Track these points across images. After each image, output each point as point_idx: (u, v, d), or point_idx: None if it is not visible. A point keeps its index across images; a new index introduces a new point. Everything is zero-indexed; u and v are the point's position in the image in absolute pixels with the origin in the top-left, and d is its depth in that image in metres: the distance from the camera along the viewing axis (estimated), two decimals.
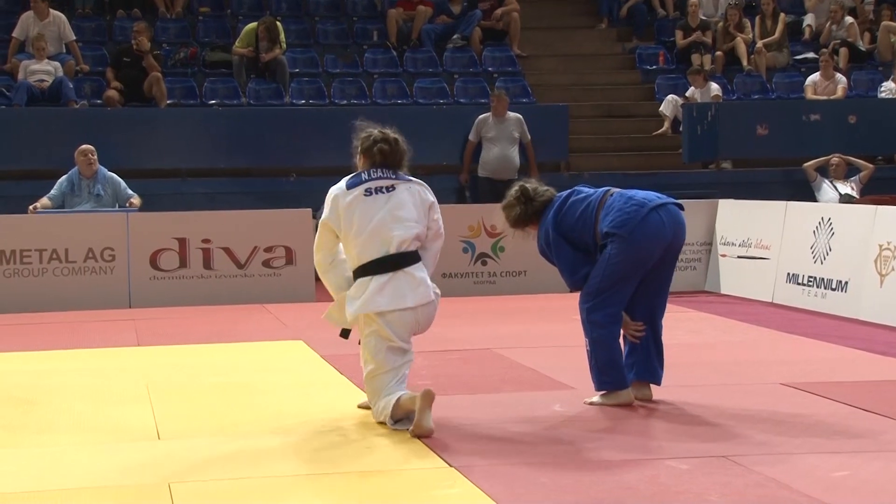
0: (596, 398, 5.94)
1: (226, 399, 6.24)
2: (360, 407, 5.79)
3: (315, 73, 15.26)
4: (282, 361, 7.52)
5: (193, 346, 8.21)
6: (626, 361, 5.96)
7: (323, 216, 5.55)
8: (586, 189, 6.09)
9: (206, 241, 10.81)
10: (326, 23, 16.34)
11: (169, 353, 7.88)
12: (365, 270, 5.42)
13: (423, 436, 5.12)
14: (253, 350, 8.02)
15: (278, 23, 14.85)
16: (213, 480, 4.57)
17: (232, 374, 7.06)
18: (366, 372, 5.46)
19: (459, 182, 13.27)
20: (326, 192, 5.62)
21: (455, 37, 15.81)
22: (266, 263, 10.91)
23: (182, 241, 10.79)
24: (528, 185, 6.09)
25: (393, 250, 5.39)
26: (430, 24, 15.87)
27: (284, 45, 14.79)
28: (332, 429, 5.45)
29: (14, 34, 14.19)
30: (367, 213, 5.43)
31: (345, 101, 14.73)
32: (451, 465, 4.69)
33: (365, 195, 5.46)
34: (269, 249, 10.90)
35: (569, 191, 6.11)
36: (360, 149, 5.68)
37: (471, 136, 12.94)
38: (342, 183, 5.58)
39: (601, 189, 6.06)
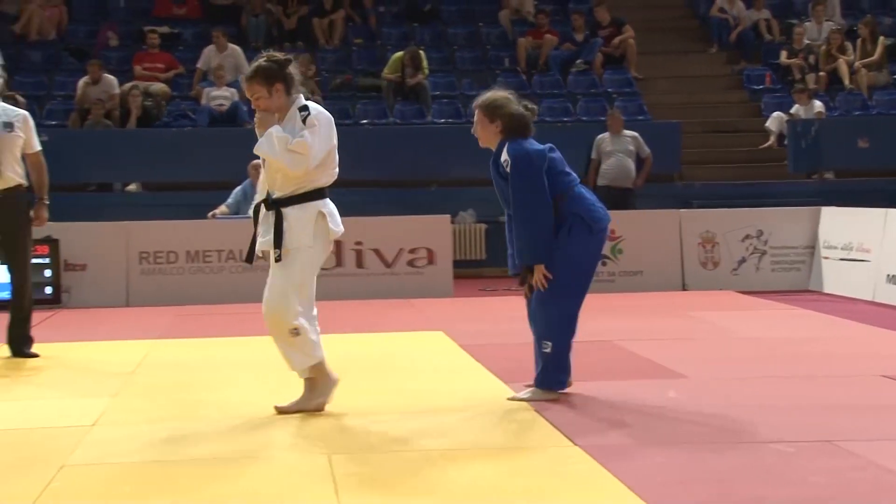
0: (527, 393, 5.53)
1: (377, 381, 6.29)
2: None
3: (453, 95, 15.31)
4: (425, 350, 7.56)
5: (347, 335, 8.30)
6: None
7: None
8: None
9: (358, 243, 10.96)
10: (464, 51, 16.39)
11: (326, 342, 7.94)
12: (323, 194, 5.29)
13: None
14: (399, 339, 8.08)
15: (421, 52, 14.97)
16: (370, 453, 4.59)
17: (382, 359, 7.12)
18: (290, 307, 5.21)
19: None
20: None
21: (578, 62, 15.69)
22: (410, 263, 11.01)
23: (338, 244, 10.93)
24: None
25: None
26: (555, 50, 15.80)
27: (427, 71, 14.89)
28: (469, 409, 5.44)
29: (199, 65, 14.62)
30: None
31: None
32: (576, 444, 4.64)
33: None
34: (412, 251, 11.00)
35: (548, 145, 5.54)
36: None
37: (592, 155, 12.82)
38: None
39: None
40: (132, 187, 13.49)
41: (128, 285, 10.69)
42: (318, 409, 5.30)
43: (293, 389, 5.43)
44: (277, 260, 5.21)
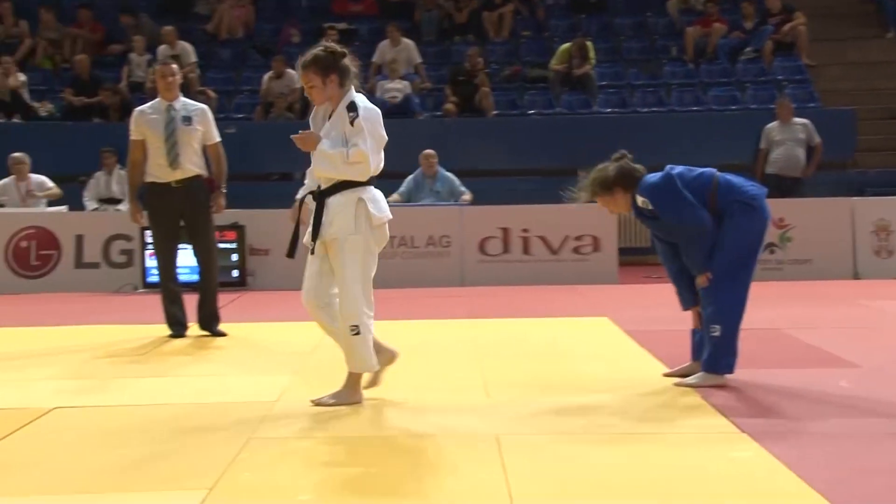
0: (694, 378, 5.41)
1: (543, 364, 6.27)
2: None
3: (620, 84, 15.10)
4: (590, 335, 7.49)
5: (515, 319, 8.32)
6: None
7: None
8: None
9: (525, 230, 10.96)
10: (631, 41, 16.13)
11: (494, 325, 8.02)
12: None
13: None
14: (565, 324, 8.03)
15: (588, 42, 14.81)
16: (536, 434, 4.58)
17: (547, 343, 7.10)
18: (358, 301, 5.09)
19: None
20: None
21: (747, 49, 15.22)
22: (576, 250, 10.95)
23: (506, 231, 10.98)
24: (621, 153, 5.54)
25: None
26: (724, 38, 15.37)
27: (594, 62, 14.73)
28: (633, 393, 5.37)
29: (374, 59, 14.88)
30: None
31: (645, 109, 14.50)
32: (742, 431, 4.51)
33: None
34: (578, 238, 10.92)
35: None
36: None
37: (761, 145, 12.42)
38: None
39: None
40: None
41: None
42: (355, 403, 5.11)
43: (468, 369, 5.44)
44: (311, 252, 5.07)
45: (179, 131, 7.26)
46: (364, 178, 5.03)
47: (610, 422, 4.81)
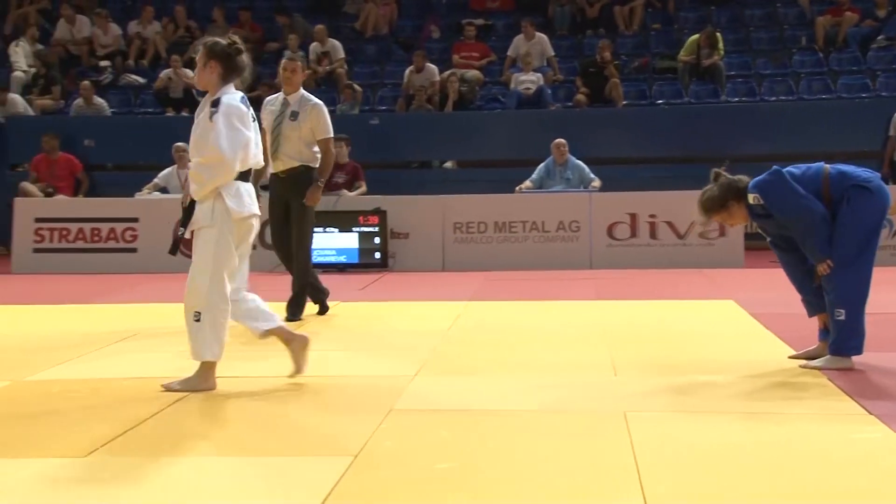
0: (820, 361, 5.23)
1: (669, 345, 6.16)
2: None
3: (748, 74, 14.65)
4: (716, 317, 7.32)
5: (642, 301, 8.20)
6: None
7: None
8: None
9: (652, 216, 10.78)
10: (760, 31, 15.64)
11: (622, 307, 7.92)
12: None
13: None
14: (691, 307, 7.87)
15: (718, 33, 14.43)
16: (662, 411, 4.51)
17: (674, 325, 6.97)
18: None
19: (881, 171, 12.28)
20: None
21: (880, 38, 14.56)
22: (702, 235, 10.72)
23: (633, 216, 10.83)
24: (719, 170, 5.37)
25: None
26: (855, 27, 14.73)
27: (722, 52, 14.35)
28: (759, 375, 5.21)
29: (508, 52, 14.85)
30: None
31: (773, 98, 14.04)
32: (870, 413, 4.33)
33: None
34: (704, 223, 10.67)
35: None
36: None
37: (890, 132, 11.89)
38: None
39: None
40: (448, 164, 13.94)
41: (444, 252, 11.08)
42: (207, 390, 4.89)
43: (597, 349, 5.39)
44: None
45: (284, 125, 7.20)
46: (229, 179, 4.83)
47: (734, 401, 4.69)
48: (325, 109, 7.32)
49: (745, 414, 4.42)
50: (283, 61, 7.51)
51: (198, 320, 4.86)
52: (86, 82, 14.46)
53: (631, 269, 10.41)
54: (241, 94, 4.99)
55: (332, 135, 7.32)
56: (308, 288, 7.43)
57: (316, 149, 7.28)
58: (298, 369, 5.11)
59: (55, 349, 6.16)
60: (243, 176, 4.94)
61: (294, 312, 7.31)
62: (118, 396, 4.87)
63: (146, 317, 7.60)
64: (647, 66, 14.99)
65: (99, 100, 14.38)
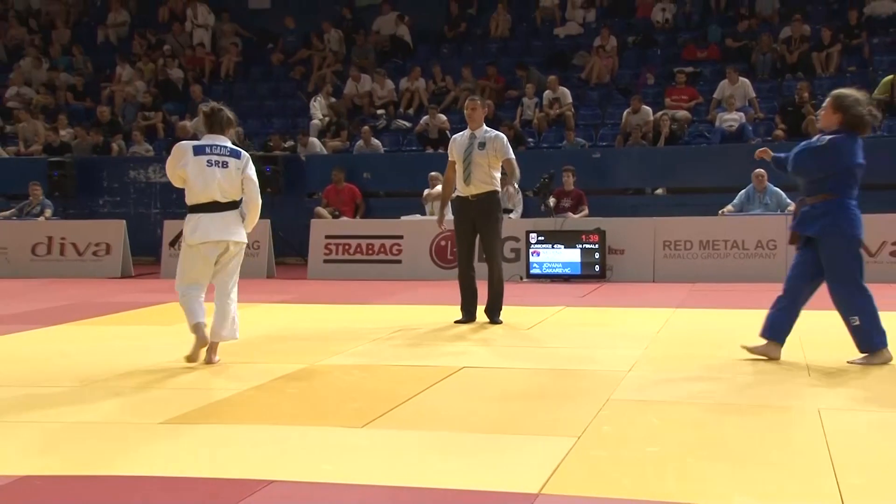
0: (861, 359, 4.97)
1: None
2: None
3: None
4: None
5: (833, 311, 7.61)
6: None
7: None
8: None
9: None
10: None
11: (815, 315, 7.35)
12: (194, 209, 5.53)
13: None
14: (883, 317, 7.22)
15: None
16: (853, 410, 4.17)
17: None
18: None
19: None
20: None
21: None
22: (893, 254, 9.90)
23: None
24: None
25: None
26: None
27: None
28: None
29: (714, 95, 14.29)
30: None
31: None
32: None
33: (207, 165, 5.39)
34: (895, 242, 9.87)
35: None
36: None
37: None
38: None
39: None
40: (659, 191, 13.59)
41: (654, 266, 10.81)
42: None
43: (792, 352, 5.08)
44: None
45: (474, 154, 7.15)
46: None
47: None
48: (505, 138, 7.33)
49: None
50: (467, 101, 7.46)
51: (179, 301, 5.56)
52: (366, 127, 15.23)
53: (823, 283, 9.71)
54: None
55: (513, 156, 7.23)
56: (468, 292, 7.27)
57: (498, 174, 7.24)
58: (194, 359, 5.47)
59: (340, 340, 6.47)
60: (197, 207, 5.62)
61: (493, 316, 7.23)
62: (389, 378, 5.08)
63: (410, 315, 7.88)
64: None
65: (375, 141, 15.11)
